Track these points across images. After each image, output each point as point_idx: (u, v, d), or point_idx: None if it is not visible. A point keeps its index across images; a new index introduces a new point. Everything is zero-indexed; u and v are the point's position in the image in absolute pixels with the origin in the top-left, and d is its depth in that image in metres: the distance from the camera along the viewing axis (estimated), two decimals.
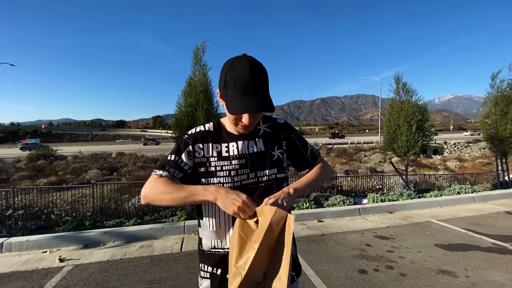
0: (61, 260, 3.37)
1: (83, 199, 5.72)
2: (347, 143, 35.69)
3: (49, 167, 13.83)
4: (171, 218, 5.01)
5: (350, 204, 5.82)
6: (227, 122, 1.00)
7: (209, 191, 0.87)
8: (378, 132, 40.84)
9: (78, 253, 3.63)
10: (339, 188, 7.60)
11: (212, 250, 0.98)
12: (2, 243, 3.68)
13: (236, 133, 0.99)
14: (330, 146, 28.16)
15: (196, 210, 1.02)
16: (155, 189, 0.90)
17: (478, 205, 6.24)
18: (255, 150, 0.99)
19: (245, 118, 0.89)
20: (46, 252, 3.65)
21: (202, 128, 1.00)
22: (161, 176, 0.92)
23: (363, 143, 36.21)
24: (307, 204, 5.57)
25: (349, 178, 8.56)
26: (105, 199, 5.80)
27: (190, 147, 0.96)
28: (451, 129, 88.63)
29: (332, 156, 18.72)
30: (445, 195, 6.97)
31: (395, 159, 13.71)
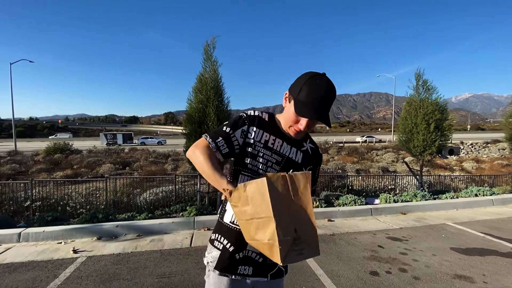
0: (75, 251, 3.46)
1: (97, 192, 5.84)
2: (359, 142, 35.12)
3: (65, 161, 14.26)
4: (181, 213, 5.05)
5: (362, 204, 5.71)
6: (282, 120, 1.10)
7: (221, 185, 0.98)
8: (391, 130, 39.86)
9: (92, 245, 3.72)
10: (350, 188, 7.45)
11: (231, 224, 1.08)
12: (20, 233, 3.82)
13: (286, 133, 1.10)
14: (341, 144, 27.78)
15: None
16: (198, 158, 1.01)
17: (497, 208, 5.99)
18: (293, 158, 1.11)
19: (303, 124, 1.01)
20: (61, 243, 3.76)
21: (259, 114, 1.10)
22: (209, 145, 1.03)
23: (375, 142, 35.47)
24: (317, 203, 5.48)
25: (360, 177, 8.39)
26: (117, 193, 5.92)
27: (246, 127, 1.07)
28: (469, 129, 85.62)
29: (343, 154, 18.42)
30: (461, 197, 6.73)
31: (408, 158, 13.34)
